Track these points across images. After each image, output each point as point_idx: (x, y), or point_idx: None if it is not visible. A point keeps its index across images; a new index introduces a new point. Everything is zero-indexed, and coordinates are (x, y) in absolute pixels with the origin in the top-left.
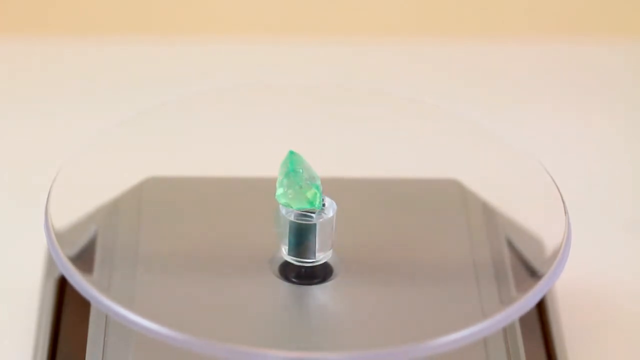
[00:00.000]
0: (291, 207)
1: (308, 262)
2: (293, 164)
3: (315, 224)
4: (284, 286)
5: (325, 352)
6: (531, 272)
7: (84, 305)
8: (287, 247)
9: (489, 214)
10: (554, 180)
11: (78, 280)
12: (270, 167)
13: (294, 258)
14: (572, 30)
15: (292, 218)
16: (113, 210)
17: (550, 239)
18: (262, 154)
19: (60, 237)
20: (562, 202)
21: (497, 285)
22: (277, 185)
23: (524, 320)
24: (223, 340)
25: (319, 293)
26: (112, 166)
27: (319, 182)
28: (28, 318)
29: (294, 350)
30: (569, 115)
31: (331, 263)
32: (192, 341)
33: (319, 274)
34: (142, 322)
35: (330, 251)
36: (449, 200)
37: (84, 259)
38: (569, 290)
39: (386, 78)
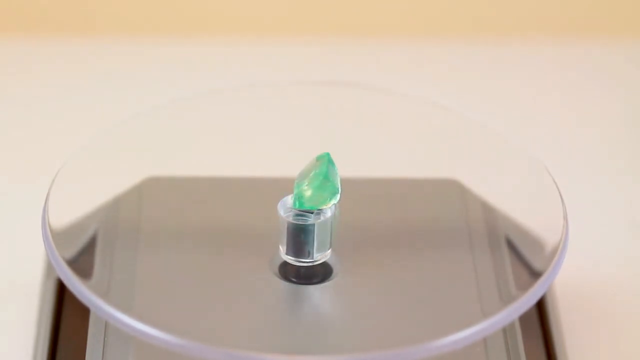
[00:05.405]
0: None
1: (307, 262)
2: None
3: (314, 224)
4: (284, 286)
5: (325, 354)
6: (531, 272)
7: (84, 305)
8: (285, 247)
9: (489, 213)
10: (553, 180)
11: (75, 284)
12: (270, 167)
13: (293, 258)
14: (573, 30)
15: (290, 218)
16: (113, 211)
17: (550, 239)
18: (262, 154)
19: (59, 238)
20: (561, 201)
21: (497, 284)
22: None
23: (523, 319)
24: (222, 344)
25: (319, 293)
26: (112, 166)
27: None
28: (28, 318)
29: (293, 352)
30: (569, 115)
31: (330, 263)
32: (190, 346)
33: (318, 274)
34: (140, 327)
35: (330, 251)
36: (449, 200)
37: (84, 259)
38: (569, 290)
39: (386, 78)
